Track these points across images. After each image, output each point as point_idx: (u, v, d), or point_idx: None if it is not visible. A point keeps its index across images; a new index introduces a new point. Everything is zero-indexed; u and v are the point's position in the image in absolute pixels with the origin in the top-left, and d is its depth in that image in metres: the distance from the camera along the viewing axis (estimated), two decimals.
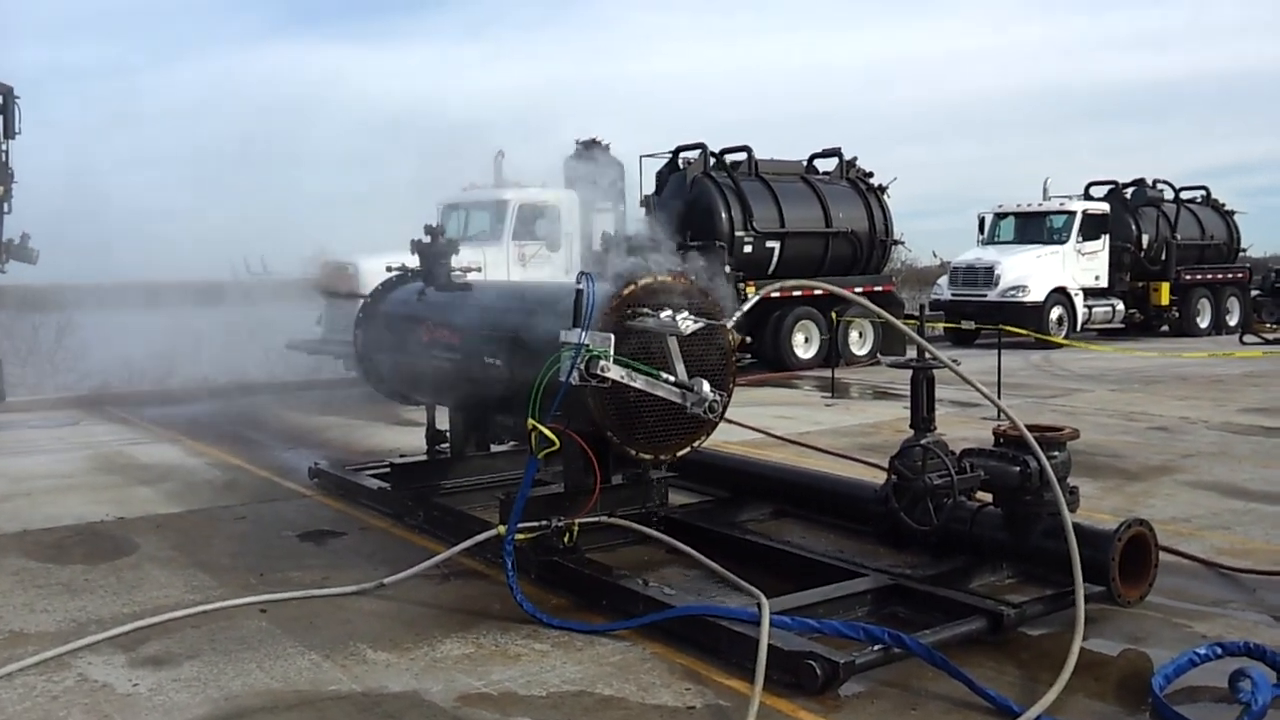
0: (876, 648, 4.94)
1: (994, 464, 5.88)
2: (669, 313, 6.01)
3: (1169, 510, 8.08)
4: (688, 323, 5.94)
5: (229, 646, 5.37)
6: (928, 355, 6.55)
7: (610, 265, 6.61)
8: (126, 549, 7.26)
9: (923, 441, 6.27)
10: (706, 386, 5.95)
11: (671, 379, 6.01)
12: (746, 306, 6.37)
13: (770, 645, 4.89)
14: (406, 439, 11.10)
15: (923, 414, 6.49)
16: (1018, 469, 5.75)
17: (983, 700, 4.61)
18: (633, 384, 5.94)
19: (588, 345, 5.75)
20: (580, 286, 5.79)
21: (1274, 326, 26.26)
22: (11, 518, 8.20)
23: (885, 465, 9.19)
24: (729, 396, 6.72)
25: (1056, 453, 5.87)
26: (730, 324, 6.37)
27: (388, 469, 8.77)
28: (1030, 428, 5.96)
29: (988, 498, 6.20)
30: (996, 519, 6.05)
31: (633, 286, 6.25)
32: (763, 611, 5.19)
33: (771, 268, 18.56)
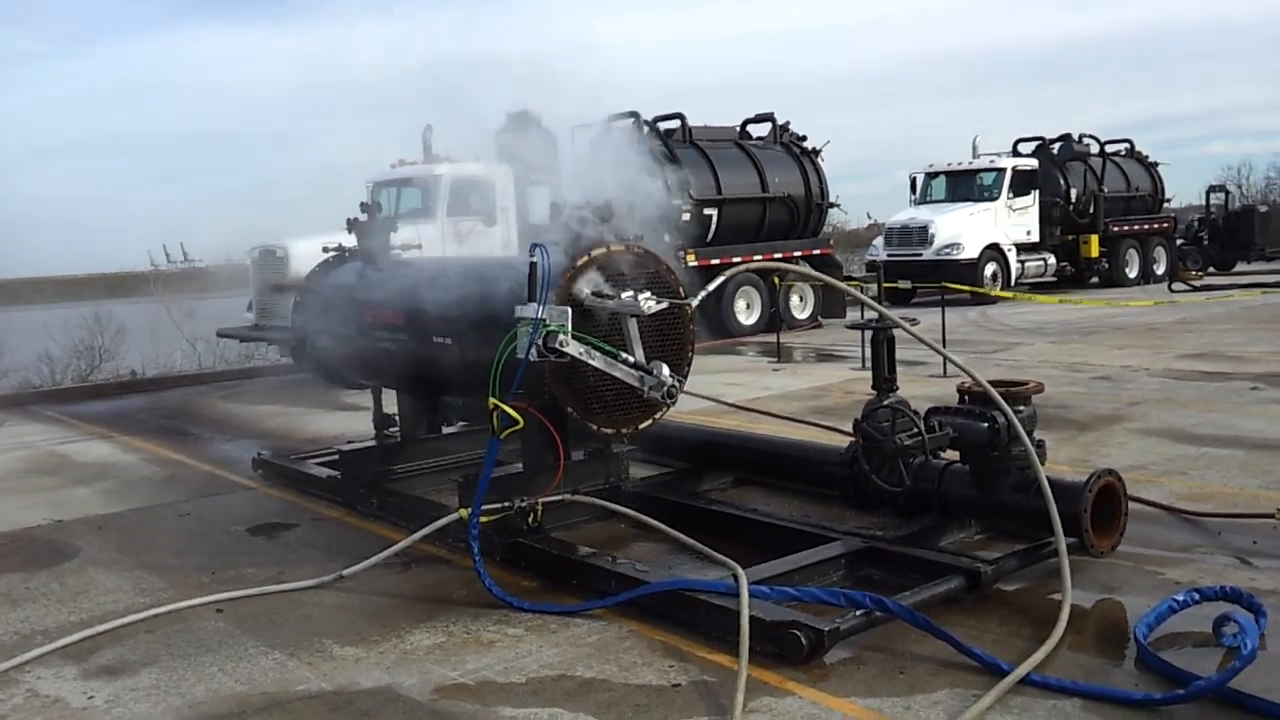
0: (859, 613, 4.86)
1: (962, 421, 5.83)
2: (630, 292, 5.83)
3: (1124, 458, 8.13)
4: (650, 303, 5.76)
5: (187, 650, 5.13)
6: (882, 316, 6.47)
7: (556, 236, 6.42)
8: (68, 553, 6.94)
9: (886, 402, 6.21)
10: (666, 370, 5.77)
11: (630, 360, 5.83)
12: (712, 286, 6.21)
13: (751, 616, 4.79)
14: (350, 424, 10.82)
15: (884, 374, 6.42)
16: (986, 425, 5.71)
17: (970, 659, 4.55)
18: (590, 362, 5.76)
19: (545, 320, 5.57)
20: (534, 259, 5.59)
21: (1199, 274, 26.89)
22: None
23: (839, 428, 9.23)
24: (687, 373, 6.60)
25: (1022, 407, 5.84)
26: (695, 303, 6.20)
27: (335, 456, 8.51)
28: (994, 383, 5.92)
29: (951, 455, 6.16)
30: (964, 476, 6.01)
31: (586, 258, 6.07)
32: (740, 583, 5.08)
33: (710, 235, 18.45)
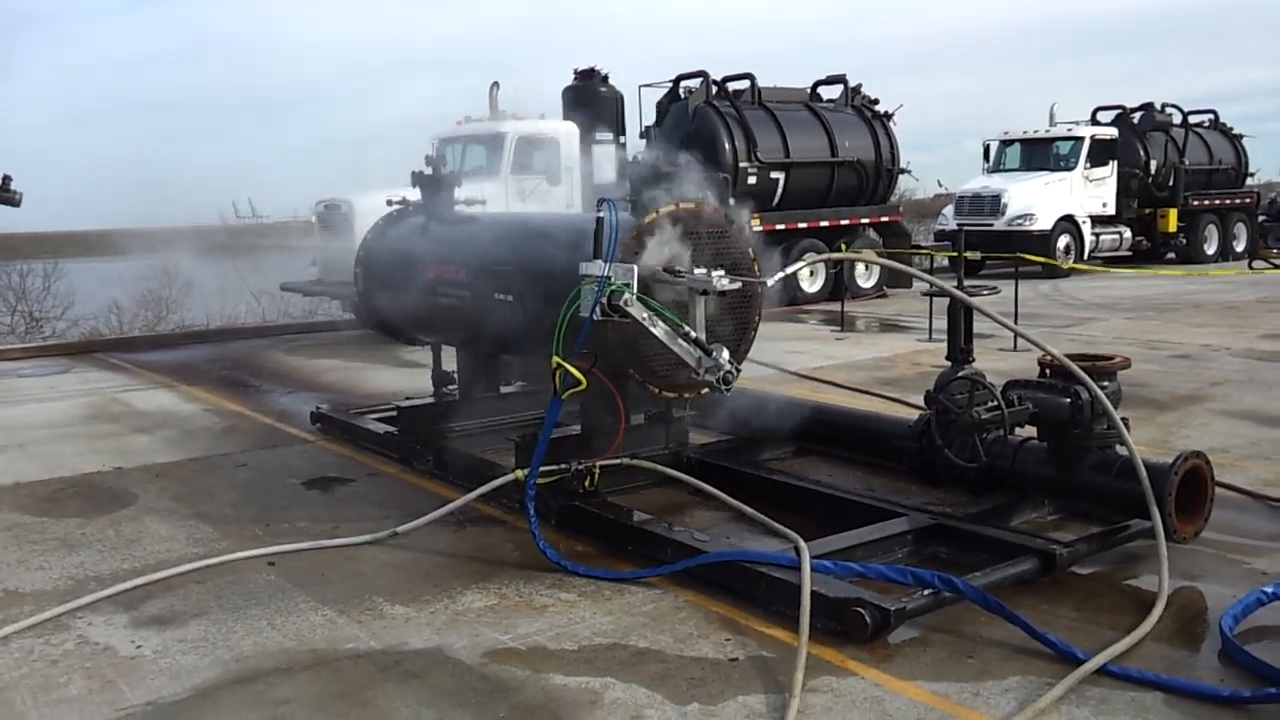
0: (926, 592, 4.65)
1: (1043, 396, 5.56)
2: (703, 270, 5.60)
3: (1205, 440, 7.78)
4: (723, 281, 5.53)
5: (237, 603, 5.08)
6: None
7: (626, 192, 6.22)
8: (125, 500, 6.95)
9: (961, 374, 5.95)
10: (725, 355, 5.47)
11: (693, 335, 5.59)
12: (791, 270, 5.96)
13: (813, 592, 4.61)
14: (410, 381, 10.77)
15: (960, 345, 6.16)
16: (1068, 401, 5.44)
17: (1043, 646, 4.33)
18: (652, 330, 5.52)
19: (610, 277, 5.38)
20: (601, 214, 5.40)
21: None
22: (4, 470, 7.87)
23: (906, 399, 8.96)
24: (747, 352, 6.40)
25: (1107, 383, 5.56)
26: (772, 283, 5.95)
27: (394, 412, 8.44)
28: (1078, 358, 5.64)
29: (1026, 431, 5.91)
30: (1040, 453, 5.75)
31: (654, 215, 5.87)
32: (802, 556, 4.90)
33: (776, 199, 18.11)
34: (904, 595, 4.66)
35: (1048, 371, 5.70)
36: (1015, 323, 11.79)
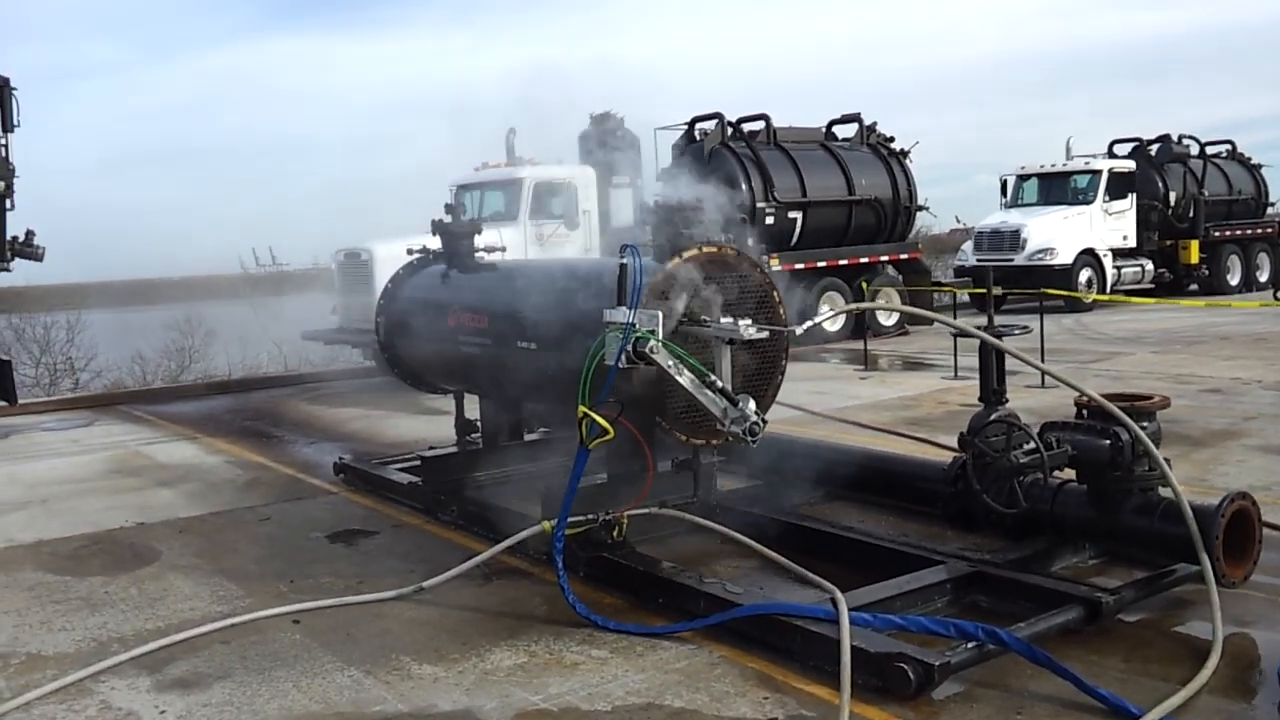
0: (970, 645, 4.50)
1: (1081, 438, 5.43)
2: (729, 319, 5.51)
3: (1244, 478, 7.61)
4: (750, 330, 5.43)
5: (261, 664, 4.97)
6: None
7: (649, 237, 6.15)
8: (148, 557, 6.87)
9: (995, 416, 5.83)
10: (751, 405, 5.34)
11: (719, 384, 5.47)
12: (819, 319, 5.87)
13: (853, 646, 4.47)
14: (433, 429, 10.68)
15: (993, 385, 6.04)
16: (1108, 442, 5.30)
17: (1094, 700, 4.18)
18: (678, 378, 5.41)
19: (635, 325, 5.29)
20: (624, 260, 5.33)
21: None
22: (26, 526, 7.82)
23: (935, 440, 8.83)
24: (773, 400, 6.29)
25: (1146, 423, 5.42)
26: (800, 331, 5.86)
27: (417, 462, 8.36)
28: (1114, 397, 5.52)
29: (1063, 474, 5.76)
30: (1080, 496, 5.61)
31: (678, 260, 5.80)
32: (840, 608, 4.76)
33: (794, 239, 18.06)
34: (947, 648, 4.52)
35: (1084, 412, 5.57)
36: (1041, 359, 11.65)
